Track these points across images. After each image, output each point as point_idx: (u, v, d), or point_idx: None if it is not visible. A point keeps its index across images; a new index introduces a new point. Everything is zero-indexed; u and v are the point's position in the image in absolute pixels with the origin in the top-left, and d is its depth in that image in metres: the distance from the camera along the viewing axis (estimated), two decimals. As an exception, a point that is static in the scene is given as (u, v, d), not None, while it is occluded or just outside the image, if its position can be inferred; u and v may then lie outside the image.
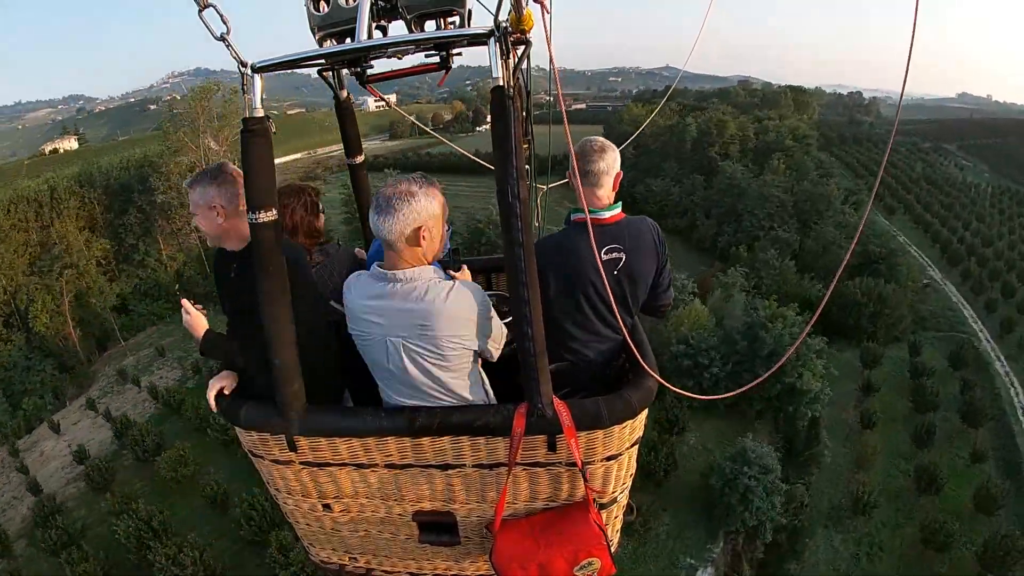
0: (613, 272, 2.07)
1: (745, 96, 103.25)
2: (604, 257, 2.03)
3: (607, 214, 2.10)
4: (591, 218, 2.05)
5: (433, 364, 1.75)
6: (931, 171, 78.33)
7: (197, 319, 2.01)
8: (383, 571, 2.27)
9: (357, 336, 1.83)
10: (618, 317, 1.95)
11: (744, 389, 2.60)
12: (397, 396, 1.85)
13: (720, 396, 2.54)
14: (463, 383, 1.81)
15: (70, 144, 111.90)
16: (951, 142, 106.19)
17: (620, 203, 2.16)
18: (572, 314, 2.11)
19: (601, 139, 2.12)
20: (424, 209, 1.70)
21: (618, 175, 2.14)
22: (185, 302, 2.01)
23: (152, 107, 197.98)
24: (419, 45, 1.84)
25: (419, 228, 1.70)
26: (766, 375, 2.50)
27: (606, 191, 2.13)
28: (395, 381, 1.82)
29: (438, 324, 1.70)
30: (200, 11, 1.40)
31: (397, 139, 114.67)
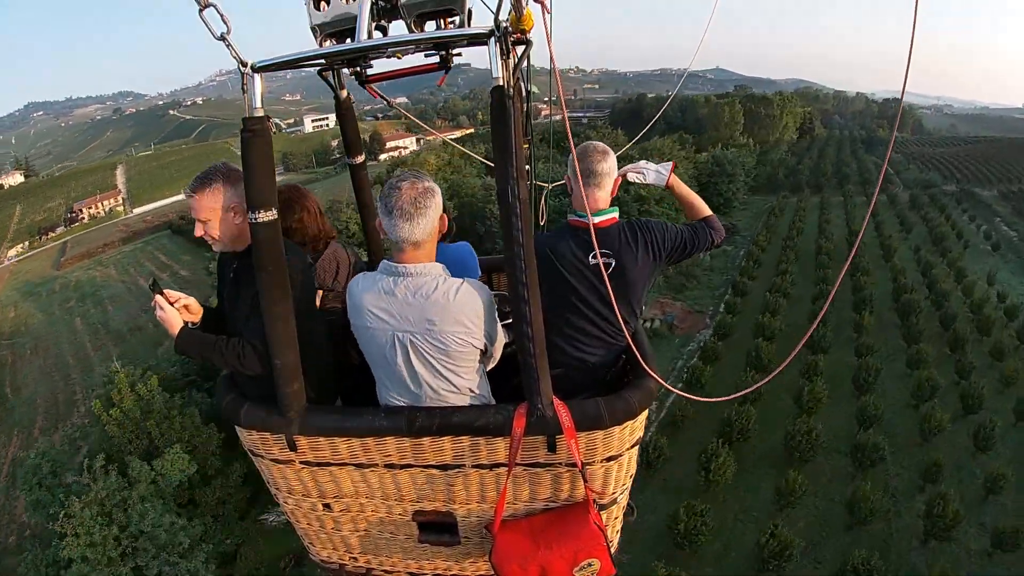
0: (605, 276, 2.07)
1: (712, 109, 77.86)
2: (592, 261, 2.03)
3: (598, 218, 2.09)
4: (584, 221, 2.05)
5: (439, 362, 1.76)
6: (934, 263, 35.40)
7: (172, 315, 1.88)
8: (383, 571, 2.27)
9: (361, 332, 1.83)
10: (613, 319, 1.94)
11: (744, 392, 2.60)
12: (397, 396, 1.85)
13: (720, 398, 2.53)
14: (466, 383, 1.81)
15: (14, 180, 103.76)
16: (991, 184, 62.08)
17: (616, 208, 2.16)
18: (558, 324, 2.08)
19: (602, 143, 2.16)
20: (441, 199, 1.77)
21: (617, 179, 2.17)
22: (159, 298, 1.88)
23: (172, 112, 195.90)
24: (419, 45, 1.84)
25: (441, 217, 1.76)
26: (767, 379, 2.49)
27: (605, 193, 2.13)
28: (396, 381, 1.82)
29: (446, 320, 1.71)
30: (200, 11, 1.40)
31: (291, 172, 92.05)
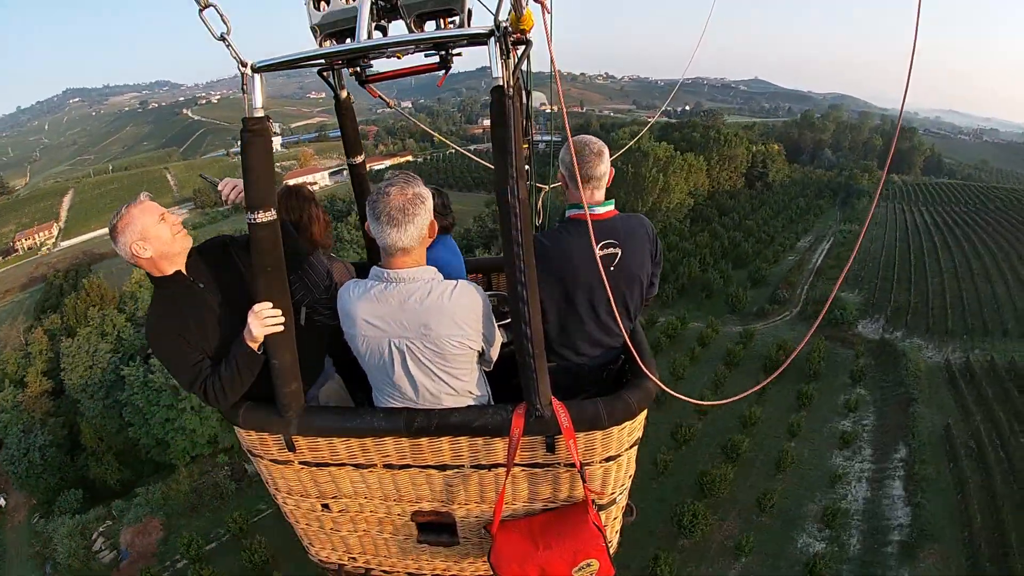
0: (609, 268, 2.04)
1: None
2: (600, 252, 2.00)
3: (601, 209, 2.09)
4: (582, 214, 2.03)
5: (436, 366, 1.74)
6: None
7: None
8: (382, 571, 2.27)
9: (356, 340, 1.80)
10: (617, 318, 1.93)
11: (743, 395, 2.59)
12: (392, 400, 1.83)
13: (718, 402, 2.53)
14: (465, 385, 1.80)
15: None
16: (948, 336, 28.96)
17: (613, 200, 2.15)
18: (568, 319, 2.08)
19: (596, 140, 2.08)
20: (431, 204, 1.73)
21: (610, 174, 2.14)
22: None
23: (186, 111, 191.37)
24: (419, 45, 1.85)
25: (430, 223, 1.73)
26: (766, 381, 2.49)
27: (602, 192, 2.13)
28: (393, 387, 1.80)
29: (442, 324, 1.69)
30: (200, 11, 1.40)
31: (193, 210, 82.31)
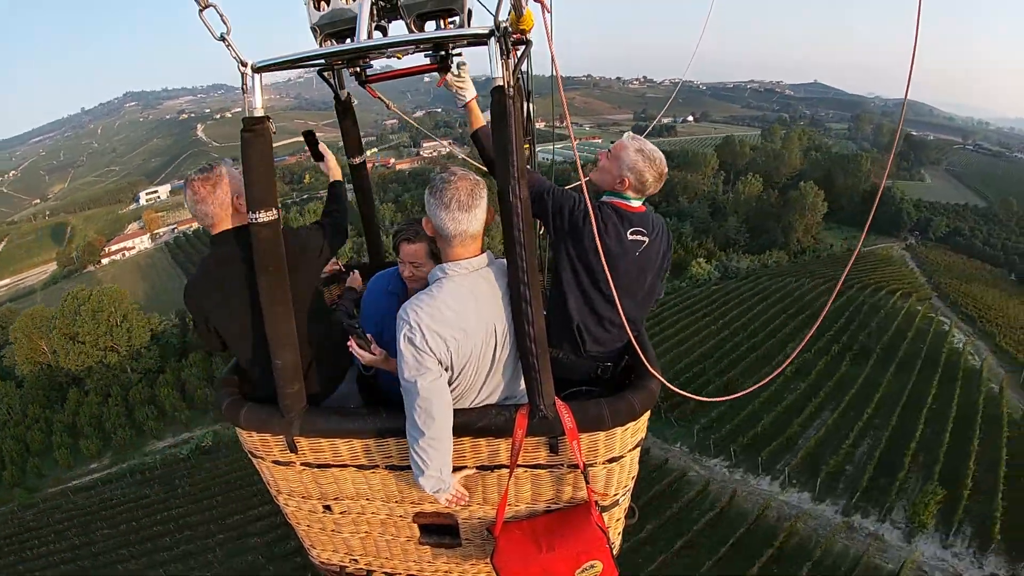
0: (635, 254, 2.14)
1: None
2: (629, 238, 2.11)
3: (636, 203, 2.19)
4: (622, 203, 2.14)
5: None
6: None
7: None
8: (384, 573, 2.26)
9: (458, 340, 1.66)
10: (618, 305, 1.95)
11: (744, 392, 2.60)
12: (484, 395, 1.78)
13: (721, 398, 2.53)
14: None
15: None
16: None
17: (644, 197, 2.25)
18: (591, 293, 2.14)
19: (660, 154, 2.13)
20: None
21: None
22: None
23: (198, 126, 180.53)
24: (419, 45, 1.85)
25: (488, 209, 1.72)
26: (765, 380, 2.49)
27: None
28: (487, 389, 1.77)
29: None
30: (200, 11, 1.40)
31: (70, 269, 76.97)
